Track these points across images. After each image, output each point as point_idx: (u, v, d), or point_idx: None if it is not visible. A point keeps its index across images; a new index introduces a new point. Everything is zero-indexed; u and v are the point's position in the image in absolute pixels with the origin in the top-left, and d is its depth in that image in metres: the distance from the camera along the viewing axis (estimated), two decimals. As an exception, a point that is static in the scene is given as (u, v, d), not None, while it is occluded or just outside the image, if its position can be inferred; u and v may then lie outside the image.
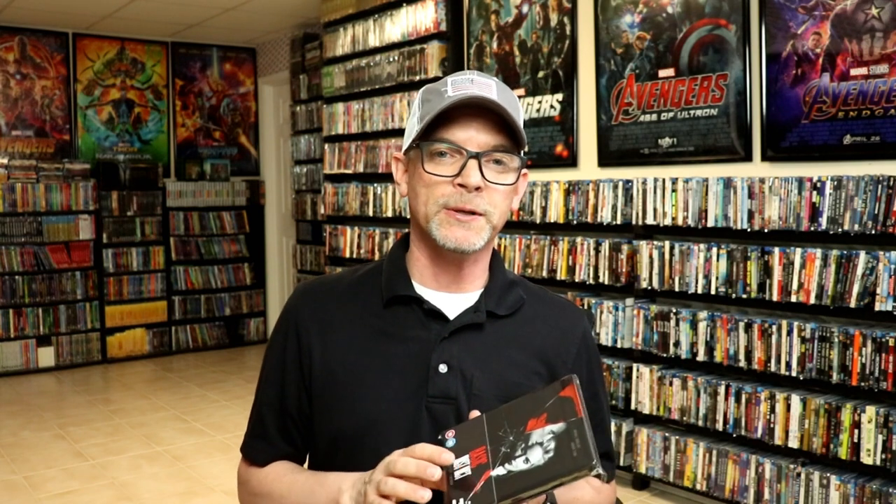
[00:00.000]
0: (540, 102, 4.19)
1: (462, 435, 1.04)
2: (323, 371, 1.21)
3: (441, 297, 1.23)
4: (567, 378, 1.01)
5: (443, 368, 1.18)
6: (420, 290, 1.24)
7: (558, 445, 0.95)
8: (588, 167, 4.00)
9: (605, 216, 3.73)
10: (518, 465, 0.97)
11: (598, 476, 1.27)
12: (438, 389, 1.17)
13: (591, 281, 3.78)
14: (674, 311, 3.43)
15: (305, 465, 1.31)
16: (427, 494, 0.97)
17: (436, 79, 4.59)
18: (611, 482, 1.34)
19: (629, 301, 3.64)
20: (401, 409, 1.17)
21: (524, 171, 1.23)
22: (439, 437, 1.05)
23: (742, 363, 3.18)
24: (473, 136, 1.16)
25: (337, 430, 1.20)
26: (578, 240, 3.83)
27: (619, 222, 3.68)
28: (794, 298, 3.01)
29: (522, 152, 1.21)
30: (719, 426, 3.25)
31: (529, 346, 1.25)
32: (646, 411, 3.55)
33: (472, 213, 1.16)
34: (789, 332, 3.03)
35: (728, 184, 3.23)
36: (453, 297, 1.24)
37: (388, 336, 1.21)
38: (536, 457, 0.96)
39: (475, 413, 1.09)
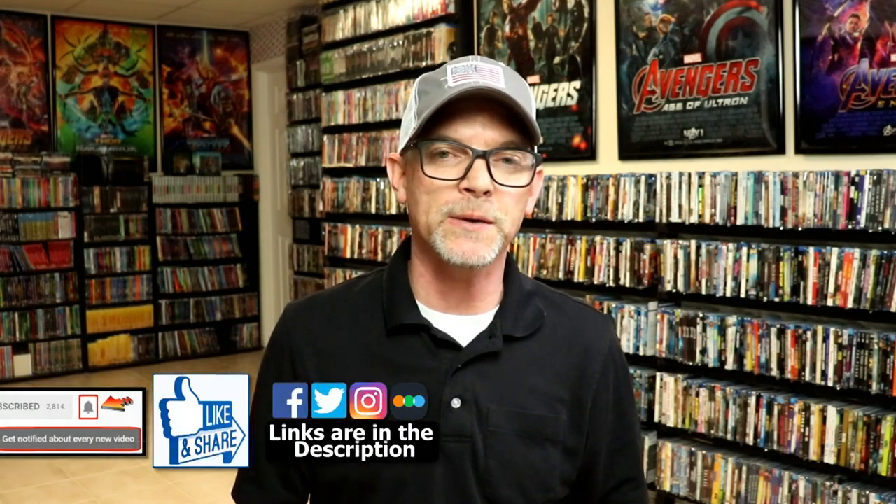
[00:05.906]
0: (556, 90, 4.22)
1: None
2: None
3: (450, 321, 1.19)
4: None
5: (456, 403, 1.15)
6: (426, 312, 1.19)
7: None
8: (608, 160, 4.02)
9: (626, 213, 3.75)
10: None
11: None
12: (452, 427, 1.14)
13: (612, 283, 3.80)
14: (700, 315, 3.44)
15: None
16: None
17: (440, 66, 4.61)
18: None
19: (652, 305, 3.66)
20: None
21: (539, 168, 1.17)
22: None
23: (774, 372, 3.20)
24: (479, 133, 1.10)
25: (340, 476, 1.16)
26: (597, 239, 3.86)
27: (641, 220, 3.70)
28: (830, 302, 3.03)
29: (536, 147, 1.15)
30: (749, 440, 3.27)
31: (550, 369, 1.20)
32: (670, 424, 3.57)
33: (481, 220, 1.10)
34: (825, 339, 3.04)
35: (759, 178, 3.25)
36: (464, 319, 1.19)
37: (394, 368, 1.16)
38: None
39: None
